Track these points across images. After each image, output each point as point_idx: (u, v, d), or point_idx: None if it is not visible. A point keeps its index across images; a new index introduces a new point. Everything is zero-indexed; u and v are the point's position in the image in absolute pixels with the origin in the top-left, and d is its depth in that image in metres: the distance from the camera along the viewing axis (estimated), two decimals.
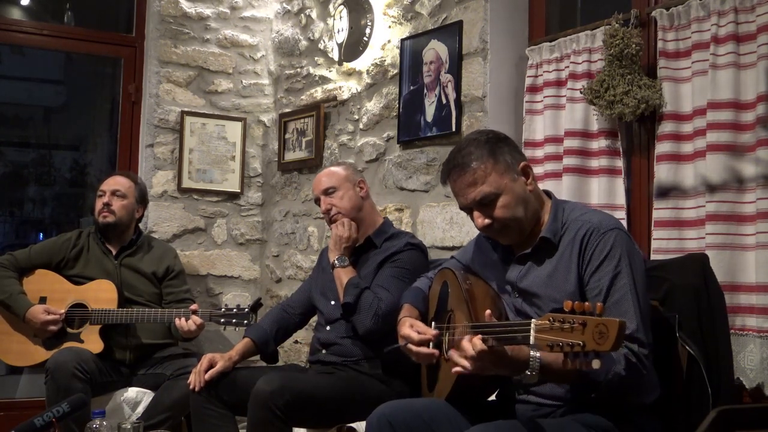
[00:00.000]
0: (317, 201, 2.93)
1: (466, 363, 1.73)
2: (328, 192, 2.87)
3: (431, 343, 2.13)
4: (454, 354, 1.77)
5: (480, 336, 1.71)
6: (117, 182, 3.49)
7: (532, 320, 1.61)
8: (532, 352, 1.70)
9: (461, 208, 2.07)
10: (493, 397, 2.18)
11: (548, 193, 2.11)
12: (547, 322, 1.55)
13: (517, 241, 2.05)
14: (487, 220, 1.99)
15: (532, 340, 1.59)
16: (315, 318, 3.00)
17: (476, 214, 2.00)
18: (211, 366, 2.68)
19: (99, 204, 3.44)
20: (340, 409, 2.56)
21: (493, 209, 1.98)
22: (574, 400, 1.93)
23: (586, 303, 1.51)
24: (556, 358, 1.61)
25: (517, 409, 2.03)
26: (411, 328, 2.16)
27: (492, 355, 1.70)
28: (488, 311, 1.79)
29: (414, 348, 2.12)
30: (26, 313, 3.21)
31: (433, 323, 2.23)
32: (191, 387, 2.68)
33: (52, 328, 3.21)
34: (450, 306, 2.15)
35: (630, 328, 1.79)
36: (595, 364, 1.46)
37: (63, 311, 3.23)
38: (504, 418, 1.97)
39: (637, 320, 1.82)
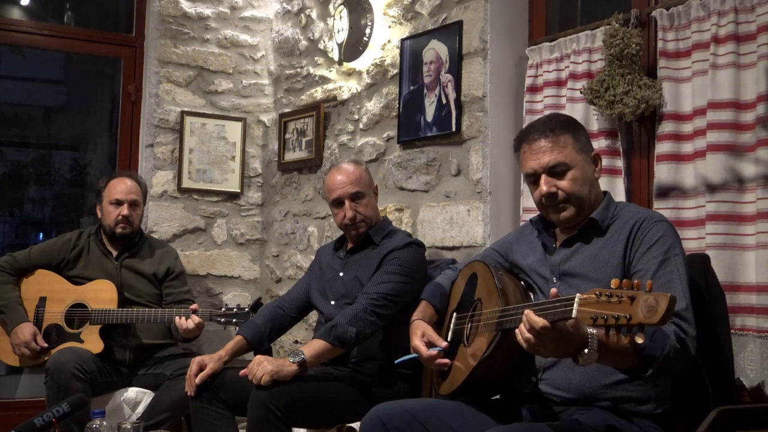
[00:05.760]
0: (337, 202, 2.81)
1: (529, 336, 1.67)
2: (355, 197, 2.77)
3: (448, 337, 2.21)
4: (521, 326, 1.70)
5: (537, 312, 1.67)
6: (133, 190, 3.44)
7: (577, 294, 1.58)
8: (589, 329, 1.62)
9: (527, 175, 2.08)
10: (496, 396, 2.19)
11: (604, 192, 2.14)
12: (594, 295, 1.53)
13: (569, 221, 2.05)
14: (552, 188, 2.00)
15: (574, 312, 1.56)
16: (315, 317, 3.00)
17: (543, 180, 2.01)
18: (200, 369, 2.66)
19: (115, 213, 3.37)
20: (340, 409, 2.56)
21: (562, 179, 2.00)
22: (586, 397, 1.93)
23: (635, 281, 1.49)
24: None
25: (520, 408, 2.03)
26: (422, 339, 2.20)
27: (554, 332, 1.63)
28: (554, 289, 1.73)
29: (424, 363, 2.23)
30: (18, 326, 3.18)
31: (454, 314, 2.25)
32: (188, 394, 2.68)
33: (25, 350, 3.16)
34: (477, 295, 2.16)
35: (680, 306, 1.78)
36: (639, 338, 1.45)
37: (47, 346, 3.19)
38: (507, 416, 1.97)
39: (686, 300, 1.82)
